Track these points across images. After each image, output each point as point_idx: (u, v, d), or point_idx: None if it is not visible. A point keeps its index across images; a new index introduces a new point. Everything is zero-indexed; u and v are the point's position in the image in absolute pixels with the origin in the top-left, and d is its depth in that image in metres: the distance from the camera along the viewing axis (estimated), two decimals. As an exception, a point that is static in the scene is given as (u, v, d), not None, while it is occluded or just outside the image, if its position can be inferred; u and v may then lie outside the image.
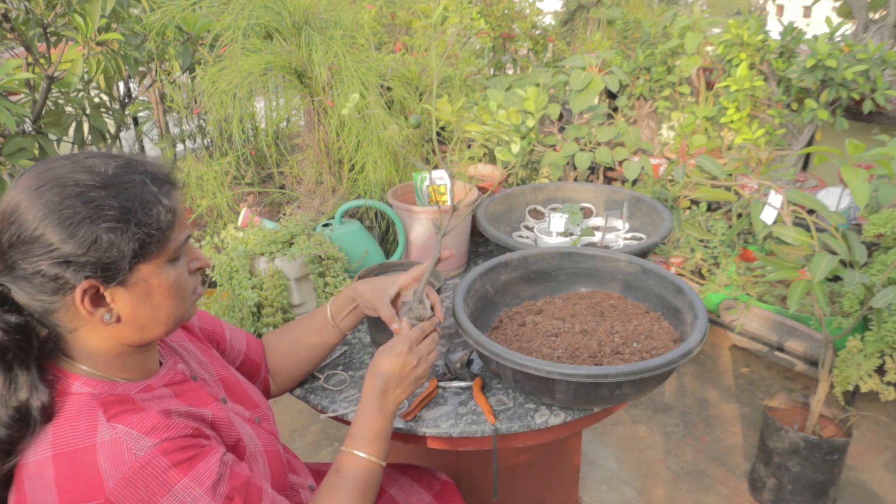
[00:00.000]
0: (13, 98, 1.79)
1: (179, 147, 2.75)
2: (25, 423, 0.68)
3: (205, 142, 2.69)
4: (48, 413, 0.69)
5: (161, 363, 0.84)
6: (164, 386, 0.80)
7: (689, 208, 2.61)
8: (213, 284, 1.28)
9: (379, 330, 1.21)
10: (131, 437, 0.68)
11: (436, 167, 1.72)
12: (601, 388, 0.95)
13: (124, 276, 0.70)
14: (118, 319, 0.72)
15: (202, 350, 0.95)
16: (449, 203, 1.55)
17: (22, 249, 0.67)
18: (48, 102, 1.83)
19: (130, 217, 0.69)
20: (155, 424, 0.70)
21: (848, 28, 3.20)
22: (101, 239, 0.68)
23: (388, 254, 1.59)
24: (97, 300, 0.71)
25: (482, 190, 1.72)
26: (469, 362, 1.19)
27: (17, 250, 0.68)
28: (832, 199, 2.37)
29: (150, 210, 0.71)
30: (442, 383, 1.14)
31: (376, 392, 0.92)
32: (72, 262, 0.67)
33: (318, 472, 1.16)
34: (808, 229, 1.52)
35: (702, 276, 2.59)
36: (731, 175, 1.89)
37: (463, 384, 1.13)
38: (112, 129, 2.16)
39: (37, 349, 0.71)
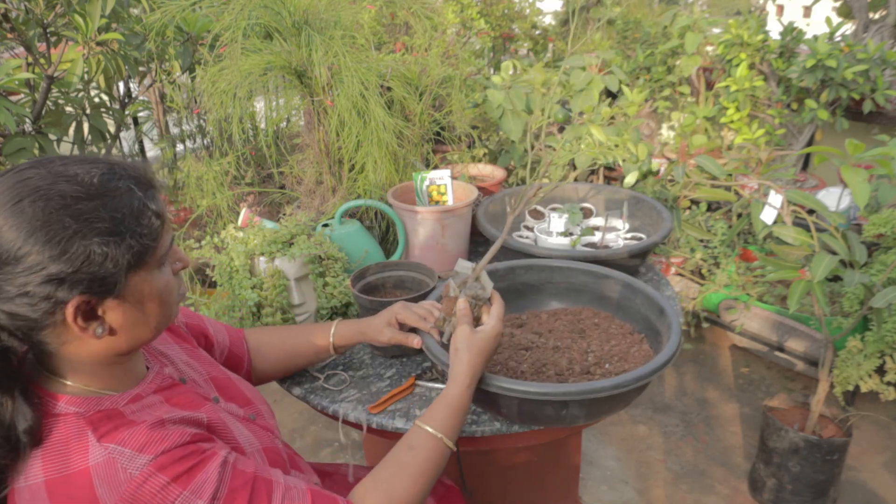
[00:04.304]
0: (13, 98, 1.79)
1: (179, 147, 2.75)
2: (14, 449, 0.66)
3: (205, 142, 2.69)
4: (35, 437, 0.67)
5: (147, 368, 0.82)
6: (154, 393, 0.78)
7: (689, 208, 2.61)
8: (213, 284, 1.28)
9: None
10: (125, 456, 0.66)
11: (436, 167, 1.72)
12: (545, 407, 0.92)
13: (119, 288, 0.68)
14: (110, 331, 0.70)
15: (188, 350, 0.93)
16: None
17: (4, 271, 0.63)
18: (48, 102, 1.82)
19: (123, 228, 0.67)
20: (148, 439, 0.68)
21: (848, 28, 3.20)
22: (95, 253, 0.65)
23: (388, 254, 1.59)
24: (89, 315, 0.68)
25: (482, 189, 1.72)
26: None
27: None
28: (832, 199, 2.37)
29: (141, 218, 0.69)
30: (426, 383, 1.14)
31: (476, 377, 0.92)
32: (64, 280, 0.64)
33: (319, 472, 1.16)
34: (808, 229, 1.53)
35: (702, 276, 2.59)
36: (731, 175, 1.89)
37: (442, 386, 1.13)
38: (112, 129, 2.16)
39: (17, 371, 0.68)
